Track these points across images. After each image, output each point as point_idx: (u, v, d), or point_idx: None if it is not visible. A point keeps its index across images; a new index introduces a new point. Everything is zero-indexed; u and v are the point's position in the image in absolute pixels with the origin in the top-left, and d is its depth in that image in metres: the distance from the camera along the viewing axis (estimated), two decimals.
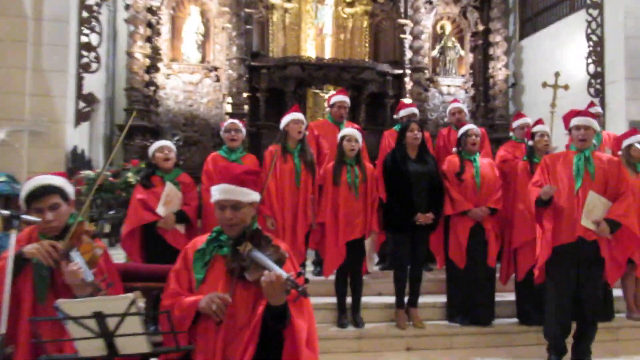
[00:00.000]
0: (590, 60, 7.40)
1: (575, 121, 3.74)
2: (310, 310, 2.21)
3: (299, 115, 4.41)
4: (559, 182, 3.67)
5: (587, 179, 3.63)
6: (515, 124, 5.09)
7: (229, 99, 7.58)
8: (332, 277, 4.38)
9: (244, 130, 4.66)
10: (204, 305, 2.10)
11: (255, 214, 2.35)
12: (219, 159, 4.48)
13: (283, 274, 1.98)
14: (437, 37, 8.62)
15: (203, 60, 7.83)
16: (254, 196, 2.32)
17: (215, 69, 7.74)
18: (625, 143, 4.58)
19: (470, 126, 4.57)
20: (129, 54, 7.26)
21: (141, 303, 2.99)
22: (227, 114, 7.41)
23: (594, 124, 3.72)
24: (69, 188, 2.47)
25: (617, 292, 4.65)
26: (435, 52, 8.57)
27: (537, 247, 3.77)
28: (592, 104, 5.27)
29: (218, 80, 7.75)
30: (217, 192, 2.29)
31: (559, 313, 3.66)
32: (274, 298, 2.01)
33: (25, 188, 2.38)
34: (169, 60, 7.62)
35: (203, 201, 4.42)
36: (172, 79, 7.59)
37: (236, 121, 4.65)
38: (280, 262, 2.13)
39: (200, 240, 2.35)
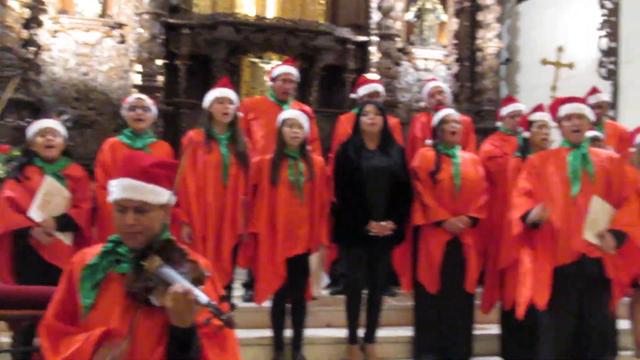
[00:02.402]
0: (602, 33, 7.70)
1: (565, 109, 3.93)
2: (235, 347, 2.24)
3: (225, 92, 4.42)
4: (551, 188, 3.83)
5: (585, 181, 3.79)
6: (504, 110, 5.26)
7: (138, 67, 7.48)
8: (267, 304, 4.42)
9: (154, 108, 4.64)
10: None
11: (167, 220, 2.36)
12: (119, 146, 4.45)
13: (201, 296, 1.99)
14: None
15: (103, 14, 7.68)
16: (167, 196, 2.31)
17: (120, 26, 7.62)
18: (639, 138, 4.81)
19: (448, 110, 4.69)
20: (0, 2, 7.08)
21: (6, 337, 2.94)
22: (135, 86, 7.31)
23: (588, 111, 3.92)
24: None
25: (621, 324, 4.86)
26: (410, 16, 8.70)
27: (523, 273, 3.89)
28: (594, 90, 5.50)
29: (123, 41, 7.62)
30: (117, 189, 2.27)
31: (557, 351, 3.80)
32: (179, 317, 2.01)
33: None
34: (56, 13, 7.44)
35: (98, 202, 4.38)
36: (60, 38, 7.42)
37: (144, 96, 4.63)
38: (198, 282, 2.13)
39: (91, 253, 2.32)
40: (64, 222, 4.13)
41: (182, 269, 2.15)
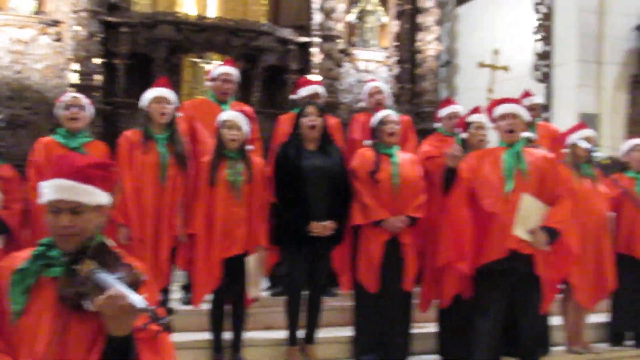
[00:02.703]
0: (537, 37, 7.92)
1: (499, 110, 4.04)
2: (171, 350, 2.20)
3: (163, 92, 4.37)
4: (485, 186, 3.92)
5: (519, 179, 3.89)
6: (442, 112, 5.34)
7: (75, 66, 7.32)
8: (206, 307, 4.39)
9: (90, 107, 4.56)
10: None
11: (102, 223, 2.31)
12: (53, 145, 4.35)
13: (138, 301, 1.93)
14: None
15: (39, 10, 7.51)
16: (103, 197, 2.25)
17: (56, 23, 7.45)
18: (570, 140, 4.95)
19: (387, 111, 4.74)
20: None
21: None
22: (72, 85, 7.16)
23: (523, 112, 4.03)
24: None
25: (553, 321, 4.99)
26: (351, 17, 8.76)
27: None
28: (527, 94, 5.66)
29: (60, 39, 7.45)
30: (50, 190, 2.19)
31: (490, 349, 3.89)
32: (115, 324, 1.97)
33: None
34: None
35: (31, 203, 4.29)
36: None
37: (79, 95, 4.55)
38: (134, 286, 2.06)
39: (21, 257, 2.23)
40: None
41: (118, 273, 2.09)
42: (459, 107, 5.30)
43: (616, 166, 5.70)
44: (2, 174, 4.22)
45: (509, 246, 3.82)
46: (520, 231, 3.81)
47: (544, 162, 4.01)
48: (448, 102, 5.55)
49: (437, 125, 5.46)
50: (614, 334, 5.28)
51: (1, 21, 7.26)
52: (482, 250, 3.89)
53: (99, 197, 2.24)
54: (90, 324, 2.09)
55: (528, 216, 3.85)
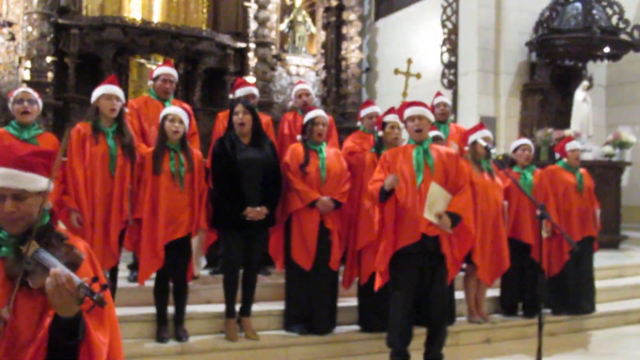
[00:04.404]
0: (444, 49, 8.07)
1: (408, 112, 4.11)
2: (115, 321, 2.13)
3: (112, 89, 4.22)
4: (400, 179, 3.98)
5: (427, 173, 3.98)
6: (363, 112, 5.37)
7: (28, 64, 7.01)
8: (151, 284, 4.29)
9: (40, 102, 4.35)
10: None
11: (46, 206, 2.21)
12: (6, 137, 4.12)
13: (74, 278, 1.90)
14: (286, 9, 8.79)
15: None
16: (44, 183, 2.17)
17: (10, 24, 7.13)
18: (471, 139, 5.06)
19: (317, 112, 4.71)
20: None
21: None
22: (25, 82, 6.85)
23: (428, 113, 4.11)
24: None
25: (457, 295, 5.12)
26: (283, 26, 8.73)
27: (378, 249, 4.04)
28: (438, 94, 5.76)
29: (13, 39, 7.14)
30: None
31: (404, 319, 3.96)
32: (62, 308, 1.90)
33: None
34: None
35: None
36: None
37: (29, 90, 4.33)
38: (74, 264, 2.01)
39: None
40: None
41: (58, 253, 2.04)
42: (377, 108, 5.34)
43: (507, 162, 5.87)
44: None
45: (420, 230, 3.88)
46: (429, 214, 3.89)
47: (447, 158, 4.11)
48: (368, 103, 5.59)
49: (358, 124, 5.49)
50: (506, 306, 5.44)
51: None
52: (398, 236, 3.93)
53: (41, 183, 2.15)
54: (36, 299, 2.01)
55: (435, 202, 3.94)
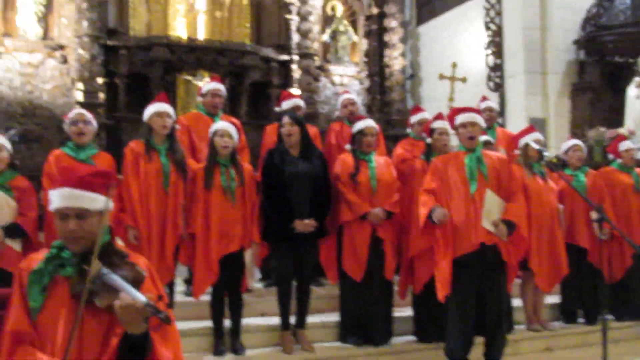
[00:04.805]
0: (489, 52, 7.95)
1: (460, 118, 4.02)
2: (177, 338, 2.17)
3: (163, 107, 4.30)
4: (452, 186, 3.91)
5: (481, 180, 3.90)
6: (413, 119, 5.32)
7: (80, 85, 7.20)
8: (207, 298, 4.32)
9: (94, 122, 4.47)
10: None
11: (106, 224, 2.25)
12: (63, 157, 4.25)
13: (140, 298, 1.92)
14: (327, 20, 8.80)
15: (45, 36, 7.38)
16: (105, 203, 2.21)
17: (62, 47, 7.33)
18: (522, 142, 4.95)
19: (366, 123, 4.66)
20: None
21: None
22: (78, 103, 7.03)
23: (480, 119, 4.02)
24: None
25: (515, 302, 4.99)
26: (325, 37, 8.74)
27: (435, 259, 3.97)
28: (484, 98, 5.64)
29: (65, 61, 7.33)
30: (57, 198, 2.17)
31: (463, 328, 3.87)
32: (131, 326, 1.95)
33: None
34: (0, 36, 7.10)
35: (45, 210, 4.19)
36: (5, 59, 7.08)
37: (84, 111, 4.45)
38: (137, 282, 2.06)
39: (36, 259, 2.19)
40: (12, 230, 3.97)
41: (121, 271, 2.08)
42: (427, 114, 5.28)
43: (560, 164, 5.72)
44: (17, 184, 4.13)
45: (478, 239, 3.80)
46: (486, 223, 3.81)
47: (499, 163, 4.03)
48: (417, 109, 5.53)
49: (408, 130, 5.44)
50: (566, 313, 5.28)
51: (12, 47, 7.14)
52: (455, 246, 3.86)
53: (100, 202, 2.20)
54: (102, 318, 2.07)
55: (491, 210, 3.86)
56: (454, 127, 4.15)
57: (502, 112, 7.63)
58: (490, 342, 3.97)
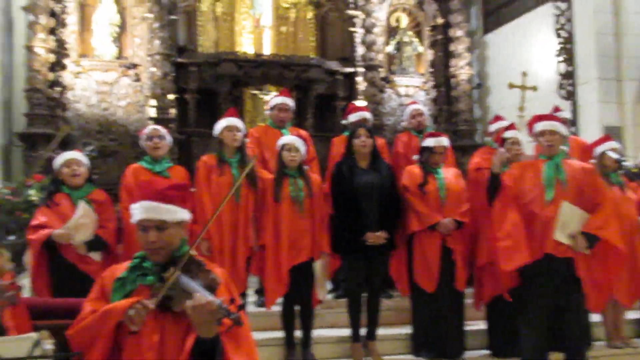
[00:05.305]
0: (560, 59, 7.74)
1: (539, 126, 3.93)
2: (252, 345, 2.21)
3: (233, 121, 4.41)
4: (527, 194, 3.81)
5: (559, 188, 3.78)
6: (492, 127, 5.25)
7: (153, 102, 7.46)
8: (278, 309, 4.37)
9: (168, 137, 4.63)
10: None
11: (184, 236, 2.34)
12: (141, 171, 4.43)
13: (213, 300, 1.99)
14: (391, 31, 8.80)
15: (119, 55, 7.69)
16: (183, 214, 2.32)
17: (135, 66, 7.62)
18: (598, 151, 4.80)
19: (437, 141, 4.62)
20: (29, 48, 7.04)
21: (49, 345, 2.91)
22: (151, 119, 7.29)
23: (561, 128, 3.91)
24: None
25: (594, 317, 4.81)
26: (390, 48, 8.74)
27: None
28: (557, 109, 5.49)
29: (138, 79, 7.62)
30: (138, 210, 2.28)
31: (537, 344, 3.74)
32: (203, 328, 2.01)
33: None
34: (77, 56, 7.43)
35: (123, 222, 4.36)
36: (82, 78, 7.41)
37: (158, 127, 4.63)
38: (212, 288, 2.14)
39: (120, 268, 2.32)
40: (95, 244, 4.14)
41: (198, 278, 2.16)
42: (506, 123, 5.17)
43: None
44: (96, 197, 4.30)
45: (545, 250, 3.69)
46: (560, 235, 3.69)
47: (583, 173, 3.89)
48: (497, 118, 5.44)
49: (487, 139, 5.37)
50: None
51: (88, 66, 7.46)
52: (520, 253, 3.75)
53: (179, 214, 2.31)
54: (181, 323, 2.15)
55: (567, 222, 3.73)
56: (533, 135, 4.06)
57: (574, 121, 7.40)
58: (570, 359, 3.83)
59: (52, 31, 7.22)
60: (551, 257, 3.70)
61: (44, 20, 7.04)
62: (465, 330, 4.54)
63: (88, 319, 2.16)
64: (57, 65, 7.28)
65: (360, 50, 8.32)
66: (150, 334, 2.14)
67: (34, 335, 1.75)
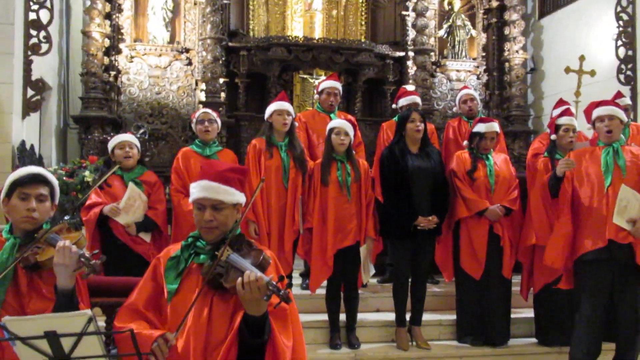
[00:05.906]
0: (619, 43, 7.50)
1: (598, 112, 3.82)
2: (299, 326, 2.27)
3: (283, 105, 4.46)
4: (585, 181, 3.73)
5: (617, 175, 3.67)
6: (555, 112, 5.14)
7: (203, 86, 7.59)
8: (322, 292, 4.43)
9: (219, 120, 4.72)
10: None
11: (238, 218, 2.39)
12: (191, 154, 4.54)
13: (263, 277, 2.04)
14: (444, 15, 8.68)
15: (172, 40, 7.83)
16: (239, 197, 2.36)
17: (187, 50, 7.75)
18: None
19: (488, 126, 4.56)
20: (85, 34, 7.26)
21: (102, 322, 3.03)
22: (201, 102, 7.42)
23: (620, 113, 3.79)
24: (57, 189, 2.56)
25: None
26: (442, 32, 8.62)
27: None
28: (619, 94, 5.32)
29: (190, 63, 7.75)
30: (197, 189, 2.33)
31: (590, 333, 3.67)
32: (251, 305, 2.06)
33: (15, 174, 2.47)
34: (132, 41, 7.62)
35: (173, 204, 4.47)
36: (135, 62, 7.59)
37: (209, 110, 4.71)
38: (262, 267, 2.18)
39: (174, 248, 2.40)
40: (145, 225, 4.26)
41: (249, 257, 2.21)
42: (560, 109, 5.05)
43: None
44: (147, 179, 4.41)
45: (608, 236, 3.60)
46: (619, 220, 3.59)
47: None
48: (561, 102, 5.29)
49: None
50: None
51: (142, 51, 7.62)
52: (582, 241, 3.69)
53: (236, 196, 2.35)
54: (229, 302, 2.20)
55: (627, 206, 3.62)
56: (591, 122, 3.97)
57: (634, 107, 7.18)
58: (623, 350, 3.74)
59: (107, 16, 7.43)
60: (613, 244, 3.60)
61: (99, 5, 7.24)
62: (511, 318, 4.52)
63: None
64: (112, 50, 7.50)
65: (411, 34, 8.25)
66: (200, 310, 2.19)
67: (88, 312, 1.82)
